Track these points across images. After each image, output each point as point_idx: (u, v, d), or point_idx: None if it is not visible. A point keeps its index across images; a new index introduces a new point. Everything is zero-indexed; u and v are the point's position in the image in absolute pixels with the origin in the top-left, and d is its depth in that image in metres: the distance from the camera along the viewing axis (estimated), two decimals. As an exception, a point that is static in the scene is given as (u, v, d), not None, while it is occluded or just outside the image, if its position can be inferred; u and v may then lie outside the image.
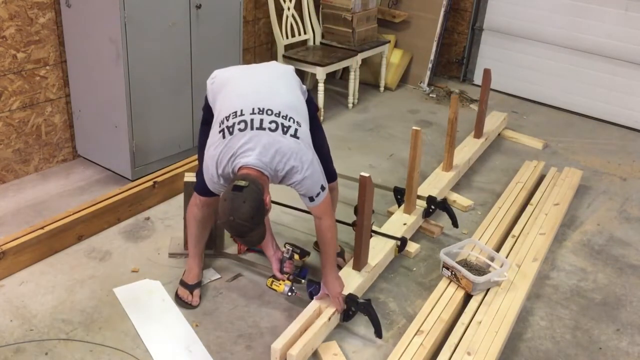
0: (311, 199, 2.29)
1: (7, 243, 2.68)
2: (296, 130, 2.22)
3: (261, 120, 2.19)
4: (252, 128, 2.17)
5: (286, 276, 2.56)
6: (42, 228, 2.80)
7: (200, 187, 2.42)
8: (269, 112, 2.21)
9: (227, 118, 2.22)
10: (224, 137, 2.20)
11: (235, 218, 2.03)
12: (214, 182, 2.26)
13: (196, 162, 3.20)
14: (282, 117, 2.22)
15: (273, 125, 2.19)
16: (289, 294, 2.54)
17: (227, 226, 2.09)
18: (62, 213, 2.95)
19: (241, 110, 2.22)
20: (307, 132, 2.30)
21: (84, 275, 2.75)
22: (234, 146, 2.17)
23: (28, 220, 3.07)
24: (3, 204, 3.20)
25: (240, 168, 2.16)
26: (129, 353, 2.34)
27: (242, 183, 2.05)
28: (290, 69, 2.51)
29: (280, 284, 2.55)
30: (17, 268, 2.72)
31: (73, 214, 2.93)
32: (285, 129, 2.20)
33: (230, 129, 2.19)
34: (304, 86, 2.50)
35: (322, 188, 2.28)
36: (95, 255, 2.88)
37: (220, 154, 2.19)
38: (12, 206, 3.19)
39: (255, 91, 2.30)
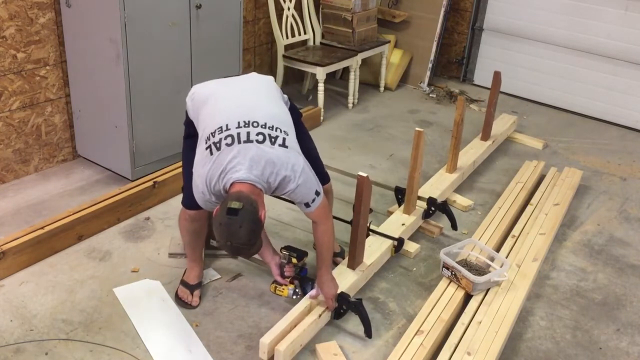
0: (307, 205, 2.28)
1: (7, 243, 2.68)
2: (284, 139, 2.21)
3: (248, 133, 2.17)
4: (239, 142, 2.15)
5: (288, 280, 2.55)
6: (42, 228, 2.80)
7: (188, 201, 2.40)
8: (255, 124, 2.20)
9: (213, 134, 2.20)
10: (211, 153, 2.17)
11: (233, 242, 2.03)
12: (206, 199, 2.22)
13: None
14: (269, 127, 2.20)
15: (260, 137, 2.17)
16: (294, 297, 2.54)
17: (226, 248, 2.09)
18: (62, 213, 2.95)
19: (227, 125, 2.19)
20: (295, 140, 2.29)
21: (84, 275, 2.75)
22: (222, 162, 2.14)
23: (28, 220, 3.07)
24: (3, 204, 3.20)
25: (232, 185, 2.12)
26: (129, 353, 2.34)
27: (236, 205, 2.00)
28: (270, 79, 2.50)
29: (284, 289, 2.55)
30: (17, 268, 2.72)
31: (73, 214, 2.93)
32: (273, 140, 2.18)
33: (217, 145, 2.16)
34: (285, 95, 2.50)
35: (317, 193, 2.28)
36: (95, 255, 2.88)
37: (210, 171, 2.16)
38: (12, 206, 3.19)
39: (239, 105, 2.28)
